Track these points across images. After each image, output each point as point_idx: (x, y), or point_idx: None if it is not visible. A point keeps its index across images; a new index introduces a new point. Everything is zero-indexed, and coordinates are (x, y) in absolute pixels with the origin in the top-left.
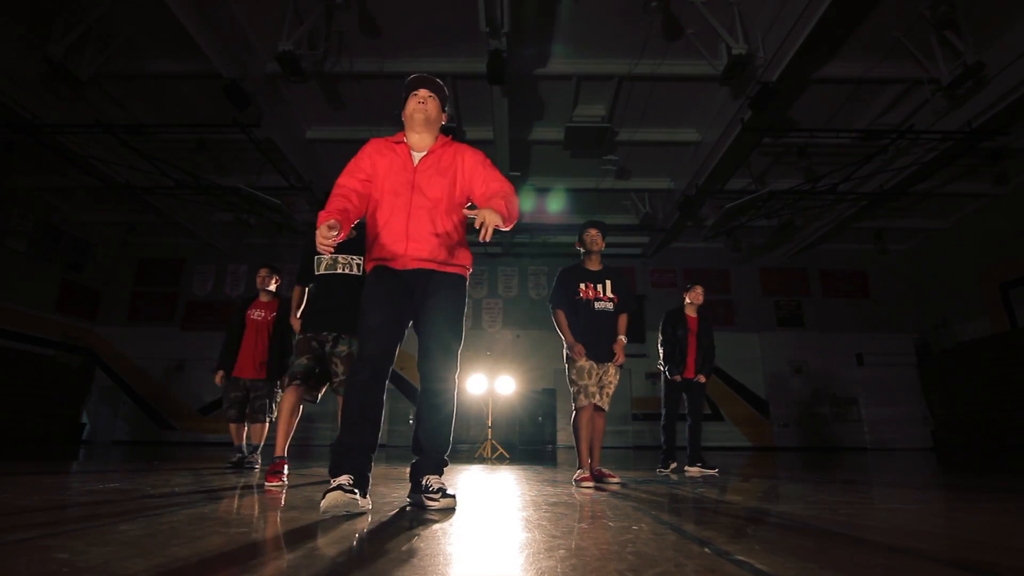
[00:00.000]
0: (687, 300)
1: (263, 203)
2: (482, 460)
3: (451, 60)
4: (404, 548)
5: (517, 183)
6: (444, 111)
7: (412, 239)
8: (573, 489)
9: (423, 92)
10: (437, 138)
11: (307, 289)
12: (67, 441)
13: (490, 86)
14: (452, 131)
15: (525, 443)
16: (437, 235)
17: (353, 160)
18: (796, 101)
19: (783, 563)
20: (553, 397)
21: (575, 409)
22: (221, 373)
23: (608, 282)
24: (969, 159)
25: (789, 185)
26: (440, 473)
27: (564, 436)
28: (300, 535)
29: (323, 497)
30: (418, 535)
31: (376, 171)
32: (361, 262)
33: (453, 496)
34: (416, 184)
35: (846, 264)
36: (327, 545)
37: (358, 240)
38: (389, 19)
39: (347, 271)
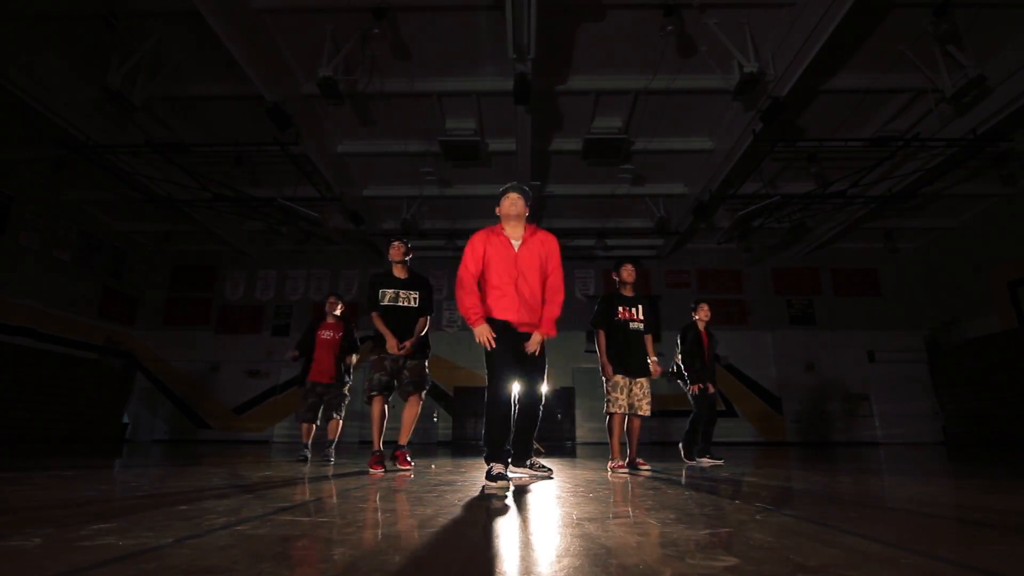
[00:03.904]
0: (697, 317)
1: (298, 214)
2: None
3: (476, 79)
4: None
5: (536, 191)
6: (527, 206)
7: (523, 308)
8: (608, 474)
9: (514, 195)
10: (526, 228)
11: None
12: (111, 440)
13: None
14: (475, 144)
15: (545, 439)
16: (532, 302)
17: (470, 250)
18: (805, 110)
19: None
20: (572, 395)
21: (608, 413)
22: (296, 353)
23: (640, 307)
24: (976, 162)
25: (800, 189)
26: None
27: (583, 433)
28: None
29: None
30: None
31: (486, 250)
32: (418, 296)
33: (551, 469)
34: (519, 266)
35: (857, 263)
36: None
37: (416, 279)
38: (419, 43)
39: (406, 304)
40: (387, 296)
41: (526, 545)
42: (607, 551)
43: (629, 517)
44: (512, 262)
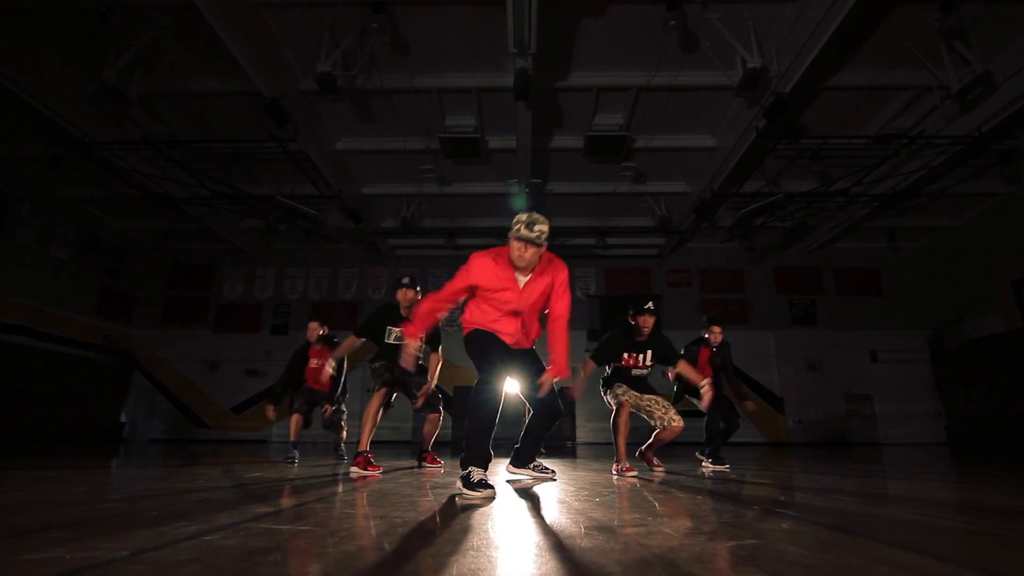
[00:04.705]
0: (704, 335)
1: (296, 211)
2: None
3: (476, 75)
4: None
5: (537, 189)
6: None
7: (518, 333)
8: (615, 478)
9: (518, 245)
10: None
11: (366, 340)
12: (108, 439)
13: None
14: (475, 141)
15: (544, 440)
16: (528, 335)
17: (463, 276)
18: (809, 107)
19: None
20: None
21: (615, 408)
22: (272, 407)
23: (648, 352)
24: (980, 160)
25: (803, 187)
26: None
27: (583, 433)
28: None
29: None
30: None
31: (485, 283)
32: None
33: (554, 470)
34: (519, 303)
35: (859, 262)
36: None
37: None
38: (419, 38)
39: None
40: (393, 335)
41: (530, 560)
42: (623, 568)
43: (642, 526)
44: (514, 299)
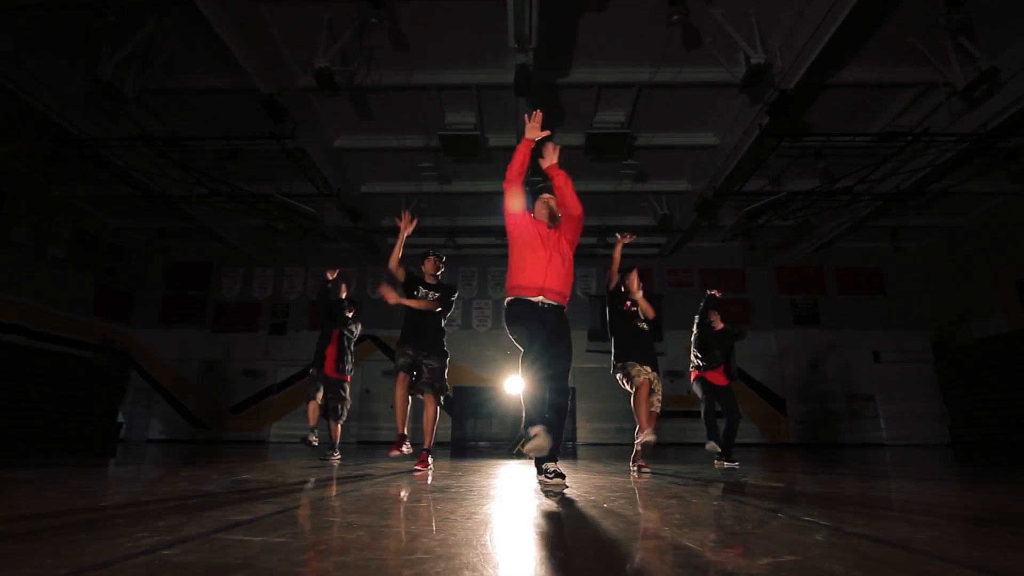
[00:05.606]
0: (709, 319)
1: (294, 210)
2: (520, 456)
3: (475, 71)
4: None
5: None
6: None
7: (551, 275)
8: (635, 475)
9: (546, 196)
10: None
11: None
12: (105, 440)
13: (515, 96)
14: (475, 139)
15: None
16: (561, 271)
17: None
18: (812, 105)
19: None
20: (573, 396)
21: (633, 389)
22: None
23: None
24: (985, 159)
25: (805, 186)
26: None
27: (584, 434)
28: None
29: (529, 441)
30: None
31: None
32: (439, 296)
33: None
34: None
35: (862, 262)
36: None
37: (442, 286)
38: (418, 34)
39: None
40: (421, 292)
41: None
42: None
43: (661, 538)
44: (544, 235)
